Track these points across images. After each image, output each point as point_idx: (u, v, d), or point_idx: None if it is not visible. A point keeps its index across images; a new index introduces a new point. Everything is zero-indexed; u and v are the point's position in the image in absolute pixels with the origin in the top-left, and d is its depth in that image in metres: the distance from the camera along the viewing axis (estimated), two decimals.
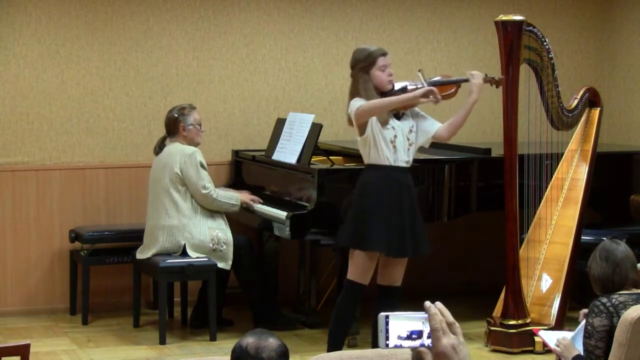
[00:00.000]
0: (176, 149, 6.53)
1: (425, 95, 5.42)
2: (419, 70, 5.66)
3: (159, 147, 6.64)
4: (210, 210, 6.55)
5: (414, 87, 5.54)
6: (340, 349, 5.47)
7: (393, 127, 5.45)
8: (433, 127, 5.59)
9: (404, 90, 5.52)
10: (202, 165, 6.48)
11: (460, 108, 5.63)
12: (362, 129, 5.43)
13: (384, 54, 5.49)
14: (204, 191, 6.45)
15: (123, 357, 6.22)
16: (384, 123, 5.41)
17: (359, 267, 5.46)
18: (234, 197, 6.59)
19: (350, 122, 5.51)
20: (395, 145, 5.43)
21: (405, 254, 5.51)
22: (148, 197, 6.70)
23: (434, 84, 5.59)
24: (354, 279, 5.49)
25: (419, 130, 5.56)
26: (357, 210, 5.48)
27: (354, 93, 5.48)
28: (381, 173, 5.44)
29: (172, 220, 6.48)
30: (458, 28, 7.99)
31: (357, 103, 5.41)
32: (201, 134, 6.67)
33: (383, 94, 5.46)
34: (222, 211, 6.59)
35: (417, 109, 5.59)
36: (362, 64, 5.46)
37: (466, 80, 5.63)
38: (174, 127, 6.57)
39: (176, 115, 6.57)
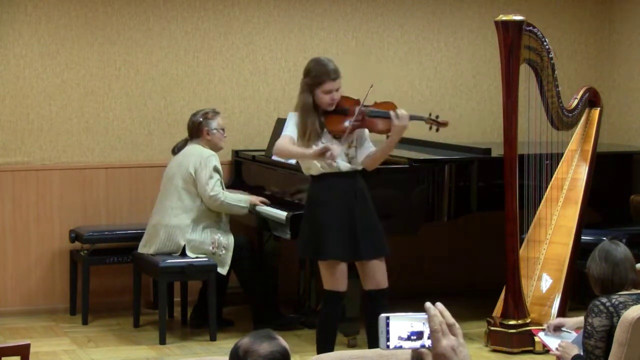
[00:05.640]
0: (194, 150, 6.58)
1: (320, 155, 5.28)
2: (371, 85, 5.45)
3: (178, 149, 6.68)
4: (217, 213, 6.57)
5: (354, 112, 5.40)
6: (331, 350, 5.46)
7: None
8: (362, 155, 5.48)
9: (344, 112, 5.41)
10: (216, 170, 6.51)
11: (383, 142, 5.50)
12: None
13: (334, 79, 5.35)
14: (211, 193, 6.47)
15: (123, 357, 6.22)
16: (311, 140, 5.36)
17: (327, 277, 5.46)
18: (242, 200, 6.61)
19: None
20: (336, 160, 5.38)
21: (361, 257, 5.46)
22: (158, 193, 6.71)
23: (370, 114, 5.41)
24: (329, 288, 5.48)
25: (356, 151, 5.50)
26: (308, 220, 5.49)
27: (296, 104, 5.48)
28: (325, 181, 5.42)
29: (176, 219, 6.50)
30: (458, 28, 7.99)
31: (289, 126, 5.41)
32: (224, 139, 6.72)
33: (324, 111, 5.40)
34: (230, 213, 6.61)
35: (365, 130, 5.51)
36: (310, 80, 5.38)
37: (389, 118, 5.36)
38: (197, 130, 6.63)
39: (200, 119, 6.62)
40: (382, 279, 5.51)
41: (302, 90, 5.44)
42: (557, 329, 4.52)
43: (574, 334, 4.36)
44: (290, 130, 5.44)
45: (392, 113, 5.35)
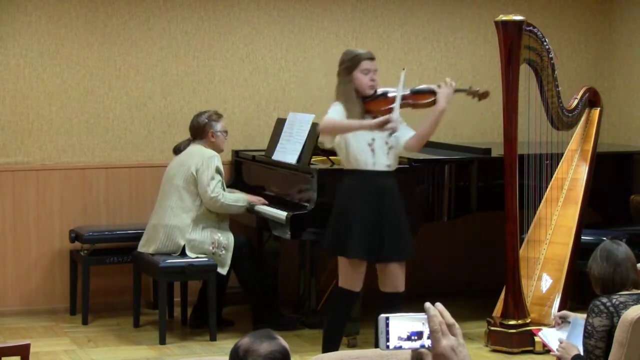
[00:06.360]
0: (197, 151, 6.60)
1: (383, 125, 5.31)
2: (403, 69, 5.59)
3: (181, 148, 6.69)
4: (217, 214, 6.58)
5: (394, 94, 5.47)
6: (337, 349, 5.46)
7: (371, 131, 5.40)
8: (405, 137, 5.48)
9: (384, 95, 5.47)
10: (217, 170, 6.53)
11: (427, 117, 5.51)
12: (329, 138, 5.43)
13: (371, 59, 5.45)
14: (212, 195, 6.47)
15: (123, 357, 6.22)
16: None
17: (346, 274, 5.45)
18: (241, 199, 6.62)
19: None
20: (374, 148, 5.39)
21: (386, 259, 5.45)
22: (158, 193, 6.72)
23: (414, 92, 5.50)
24: (344, 287, 5.47)
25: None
26: (337, 216, 5.47)
27: (336, 94, 5.49)
28: (360, 178, 5.41)
29: (176, 219, 6.50)
30: (458, 28, 7.99)
31: (332, 110, 5.40)
32: (225, 142, 6.77)
33: (364, 97, 5.43)
34: (230, 213, 6.62)
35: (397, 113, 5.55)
36: (347, 64, 5.44)
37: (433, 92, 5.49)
38: (202, 132, 6.66)
39: (206, 120, 6.65)
40: (400, 283, 5.50)
41: (341, 77, 5.47)
42: (563, 319, 4.52)
43: (578, 320, 4.34)
44: (334, 115, 5.42)
45: (441, 83, 5.46)
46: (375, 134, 5.38)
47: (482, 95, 5.72)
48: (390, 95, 5.46)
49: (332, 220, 5.50)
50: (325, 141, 5.52)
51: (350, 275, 5.44)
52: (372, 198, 5.39)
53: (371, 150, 5.39)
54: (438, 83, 5.53)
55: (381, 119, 5.29)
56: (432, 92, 5.49)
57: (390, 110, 5.35)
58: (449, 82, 5.48)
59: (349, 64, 5.43)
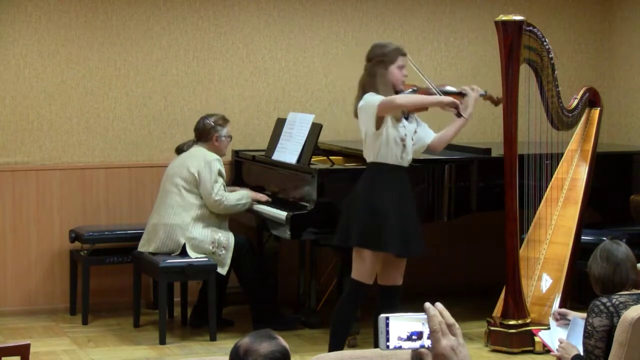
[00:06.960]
0: (199, 153, 6.62)
1: (450, 104, 5.45)
2: (405, 55, 5.64)
3: (184, 149, 6.69)
4: (218, 214, 6.58)
5: (426, 91, 5.55)
6: (341, 348, 5.46)
7: (404, 126, 5.43)
8: (429, 136, 5.60)
9: (415, 92, 5.51)
10: (219, 174, 6.54)
11: (453, 121, 5.58)
12: (379, 123, 5.34)
13: (405, 54, 5.48)
14: (216, 197, 6.49)
15: (123, 357, 6.22)
16: (397, 120, 5.40)
17: (365, 267, 5.42)
18: (244, 197, 6.63)
19: (356, 114, 5.46)
20: (405, 144, 5.42)
21: (412, 254, 5.50)
22: (158, 192, 6.73)
23: (445, 92, 5.58)
24: (359, 279, 5.45)
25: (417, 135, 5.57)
26: (366, 209, 5.40)
27: (367, 86, 5.42)
28: (388, 172, 5.41)
29: (177, 218, 6.51)
30: (458, 28, 7.99)
31: (375, 97, 5.34)
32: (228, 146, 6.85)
33: (395, 92, 5.46)
34: (234, 212, 6.63)
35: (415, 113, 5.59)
36: (383, 57, 5.43)
37: (463, 94, 5.62)
38: (207, 134, 6.69)
39: (212, 124, 6.67)
40: (399, 277, 5.54)
41: (375, 71, 5.43)
42: (562, 316, 4.52)
43: (577, 320, 4.34)
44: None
45: (466, 88, 5.59)
46: (407, 129, 5.43)
47: (498, 101, 5.92)
48: (420, 92, 5.55)
49: (359, 214, 5.41)
50: (368, 125, 5.37)
51: (367, 268, 5.43)
52: (400, 192, 5.42)
53: (403, 145, 5.41)
54: (463, 87, 5.62)
55: (452, 99, 5.47)
56: (462, 94, 5.58)
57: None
58: (476, 88, 5.61)
59: (386, 57, 5.43)
